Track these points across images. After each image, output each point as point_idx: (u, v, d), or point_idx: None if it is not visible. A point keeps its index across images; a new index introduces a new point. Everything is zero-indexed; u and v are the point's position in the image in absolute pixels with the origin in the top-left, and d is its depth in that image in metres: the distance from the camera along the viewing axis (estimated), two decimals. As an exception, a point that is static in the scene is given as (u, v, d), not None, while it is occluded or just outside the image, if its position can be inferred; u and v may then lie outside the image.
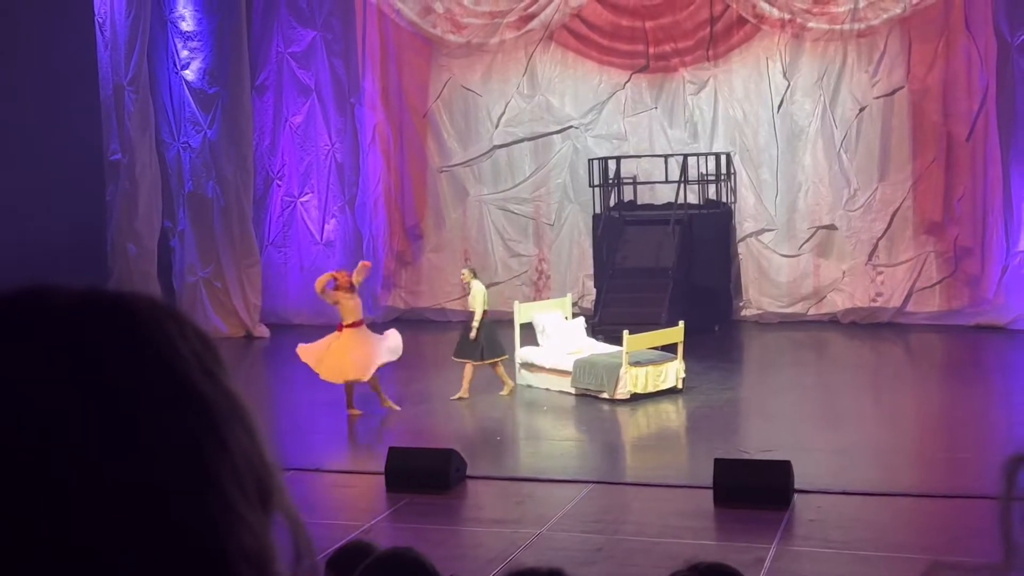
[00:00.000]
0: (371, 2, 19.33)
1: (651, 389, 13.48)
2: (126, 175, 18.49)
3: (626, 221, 17.85)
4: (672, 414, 13.19)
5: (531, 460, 11.77)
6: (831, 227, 18.00)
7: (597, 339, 15.08)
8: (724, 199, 18.29)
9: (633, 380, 13.38)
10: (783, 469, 9.79)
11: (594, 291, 17.95)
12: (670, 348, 13.84)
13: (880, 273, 17.82)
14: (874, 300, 17.83)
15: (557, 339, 14.37)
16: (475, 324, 13.31)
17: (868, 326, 17.58)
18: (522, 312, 14.77)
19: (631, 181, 18.60)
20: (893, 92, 17.63)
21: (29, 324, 0.77)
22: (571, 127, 19.03)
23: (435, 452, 10.79)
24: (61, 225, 16.69)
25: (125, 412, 0.76)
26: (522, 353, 14.45)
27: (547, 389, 14.09)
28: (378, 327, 14.35)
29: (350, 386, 12.92)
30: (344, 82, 19.45)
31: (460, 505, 10.25)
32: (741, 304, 18.47)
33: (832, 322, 17.90)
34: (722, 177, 18.28)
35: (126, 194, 18.49)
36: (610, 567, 8.50)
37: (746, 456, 10.76)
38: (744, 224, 18.39)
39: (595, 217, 18.23)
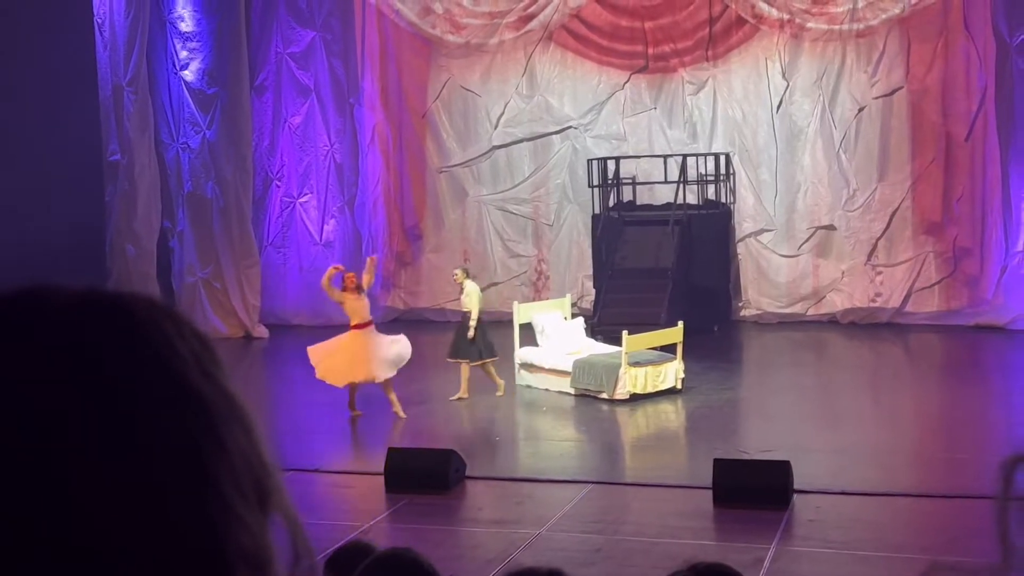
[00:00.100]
0: (370, 2, 19.33)
1: (650, 389, 13.48)
2: (125, 176, 18.49)
3: (625, 221, 17.86)
4: (671, 414, 13.19)
5: (530, 460, 11.76)
6: (830, 227, 18.01)
7: (596, 339, 15.08)
8: (723, 199, 18.30)
9: (632, 380, 13.38)
10: (782, 469, 9.79)
11: (593, 291, 17.95)
12: (669, 348, 13.84)
13: (879, 273, 17.82)
14: (873, 300, 17.84)
15: (556, 339, 14.37)
16: (472, 324, 13.30)
17: (867, 326, 17.59)
18: (521, 312, 14.77)
19: (630, 181, 18.61)
20: (892, 92, 17.63)
21: (28, 324, 0.77)
22: (570, 127, 19.03)
23: (434, 452, 10.79)
24: (60, 225, 16.69)
25: (124, 412, 0.76)
26: (521, 353, 14.45)
27: (546, 389, 14.09)
28: (378, 328, 14.31)
29: (353, 387, 12.88)
30: (343, 82, 19.46)
31: (459, 505, 10.25)
32: (740, 304, 18.47)
33: (831, 322, 17.90)
34: (721, 177, 18.28)
35: (125, 195, 18.49)
36: (609, 567, 8.50)
37: (745, 456, 10.76)
38: (743, 224, 18.39)
39: (594, 217, 18.23)
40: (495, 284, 19.19)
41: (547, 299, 17.19)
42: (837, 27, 17.63)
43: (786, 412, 12.81)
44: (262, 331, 18.90)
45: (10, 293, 0.80)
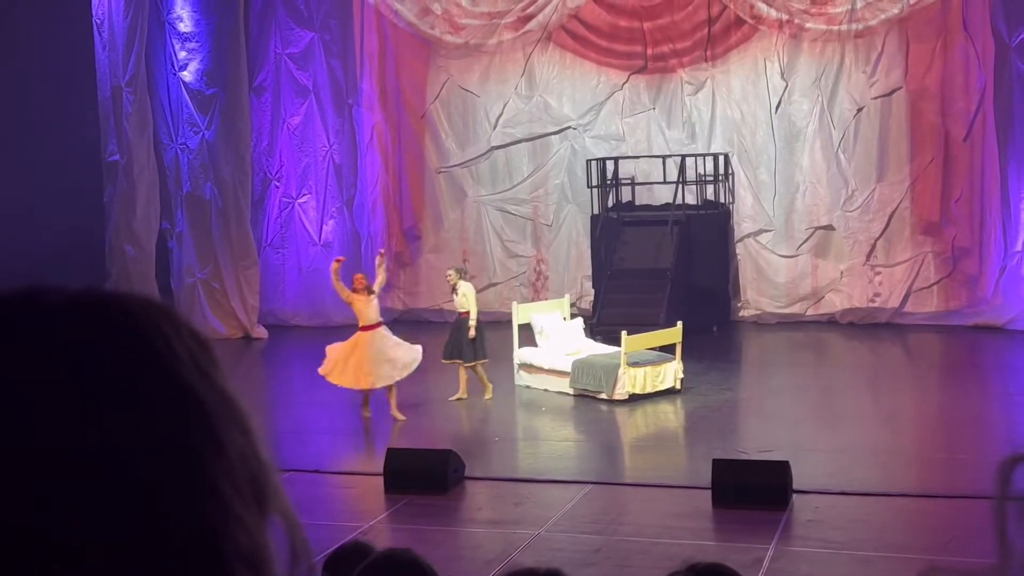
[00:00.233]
0: (369, 3, 19.33)
1: (649, 390, 13.48)
2: (124, 176, 18.50)
3: (624, 222, 17.86)
4: (670, 415, 13.19)
5: (529, 461, 11.76)
6: (829, 227, 18.01)
7: (595, 340, 15.08)
8: (722, 200, 18.30)
9: (631, 381, 13.39)
10: (781, 469, 9.79)
11: (592, 292, 17.96)
12: (668, 349, 13.85)
13: (878, 273, 17.83)
14: (872, 300, 17.84)
15: (555, 340, 14.37)
16: (473, 324, 13.28)
17: (866, 326, 17.59)
18: (520, 313, 14.77)
19: (629, 182, 18.61)
20: (891, 92, 17.64)
21: (26, 325, 0.77)
22: (569, 128, 19.03)
23: (433, 453, 10.79)
24: (59, 226, 16.70)
25: (122, 413, 0.76)
26: (520, 354, 14.45)
27: (545, 390, 14.09)
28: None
29: (365, 391, 12.77)
30: (342, 83, 19.46)
31: (458, 506, 10.25)
32: (739, 305, 18.48)
33: (830, 322, 17.90)
34: (720, 178, 18.28)
35: (124, 195, 18.49)
36: (608, 568, 8.50)
37: (744, 456, 10.77)
38: (742, 225, 18.40)
39: (593, 218, 18.24)
40: (494, 284, 19.20)
41: (546, 299, 17.19)
42: (836, 27, 17.63)
43: (785, 412, 12.81)
44: (261, 332, 18.89)
45: (8, 293, 0.79)
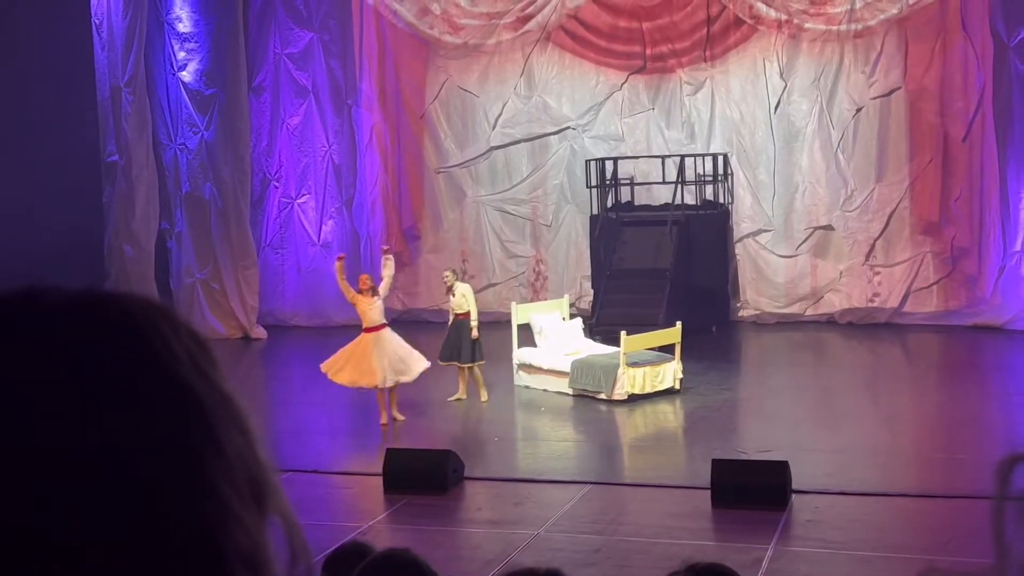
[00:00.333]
0: (368, 3, 19.33)
1: (648, 390, 13.48)
2: (123, 176, 18.50)
3: (623, 222, 17.86)
4: (670, 415, 13.19)
5: (529, 461, 11.76)
6: (828, 228, 18.02)
7: (594, 340, 15.08)
8: (721, 200, 18.30)
9: (631, 381, 13.39)
10: (781, 469, 9.79)
11: (591, 292, 17.96)
12: (667, 349, 13.85)
13: (877, 273, 17.83)
14: (871, 300, 17.85)
15: (555, 340, 14.37)
16: (475, 324, 13.25)
17: (865, 326, 17.59)
18: (519, 313, 14.76)
19: (628, 182, 18.60)
20: (890, 93, 17.64)
21: (26, 325, 0.77)
22: (568, 128, 19.03)
23: (433, 453, 10.79)
24: (58, 226, 16.70)
25: (121, 413, 0.76)
26: (519, 354, 14.45)
27: (544, 390, 14.09)
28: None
29: (380, 395, 12.68)
30: (341, 83, 19.46)
31: (458, 506, 10.25)
32: (738, 305, 18.48)
33: (829, 322, 17.91)
34: (719, 178, 18.28)
35: (123, 195, 18.50)
36: (608, 568, 8.50)
37: (744, 456, 10.77)
38: (741, 225, 18.40)
39: (592, 218, 18.24)
40: (493, 285, 19.20)
41: (545, 300, 17.19)
42: (835, 28, 17.63)
43: (784, 412, 12.81)
44: (260, 332, 18.89)
45: (8, 294, 0.80)
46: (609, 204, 18.34)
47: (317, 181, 19.79)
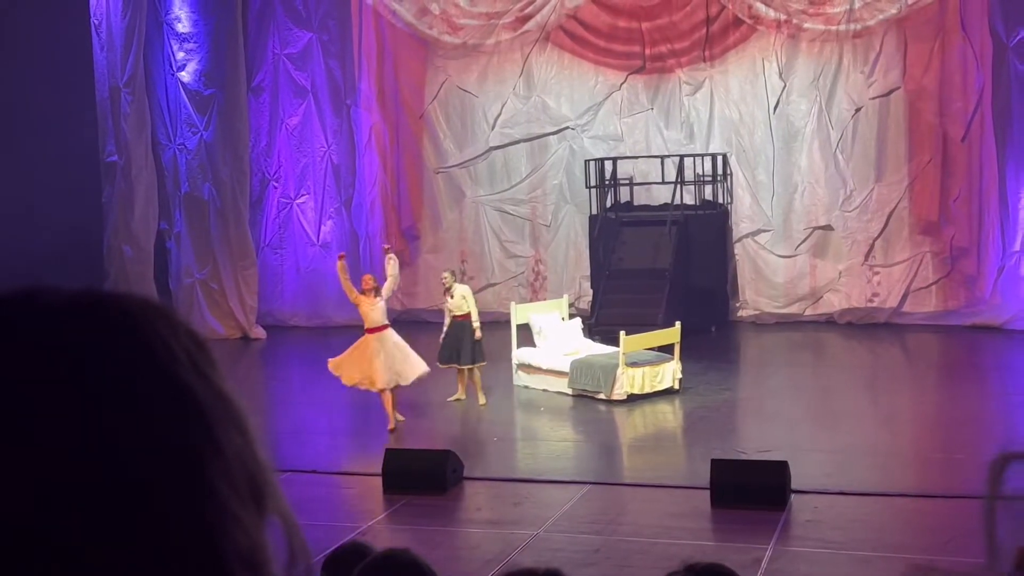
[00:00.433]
0: (367, 3, 19.33)
1: (648, 390, 13.48)
2: (122, 177, 18.50)
3: (623, 222, 17.85)
4: (669, 415, 13.19)
5: (528, 461, 11.76)
6: (827, 228, 18.02)
7: (594, 340, 15.08)
8: (720, 200, 18.30)
9: (630, 381, 13.39)
10: (780, 469, 9.79)
11: (591, 292, 17.96)
12: (667, 349, 13.85)
13: (876, 273, 17.83)
14: (870, 300, 17.85)
15: (554, 340, 14.37)
16: (477, 325, 13.22)
17: (864, 326, 17.60)
18: (519, 313, 14.76)
19: (627, 182, 18.60)
20: (889, 93, 17.64)
21: (25, 325, 0.78)
22: (567, 128, 19.03)
23: (432, 453, 10.79)
24: (57, 226, 16.70)
25: (120, 413, 0.76)
26: (519, 354, 14.45)
27: (544, 390, 14.09)
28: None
29: (384, 396, 12.62)
30: (340, 83, 19.46)
31: (457, 506, 10.25)
32: (738, 305, 18.48)
33: (829, 322, 17.91)
34: (718, 178, 18.28)
35: (122, 196, 18.50)
36: (607, 568, 8.50)
37: (743, 456, 10.77)
38: (740, 225, 18.40)
39: (592, 218, 18.23)
40: (492, 285, 19.20)
41: (545, 300, 17.19)
42: (834, 28, 17.64)
43: (783, 412, 12.82)
44: (259, 332, 18.89)
45: (7, 294, 0.80)
46: (608, 204, 18.34)
47: (316, 181, 19.79)
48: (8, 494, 0.72)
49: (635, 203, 18.64)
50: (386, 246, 13.82)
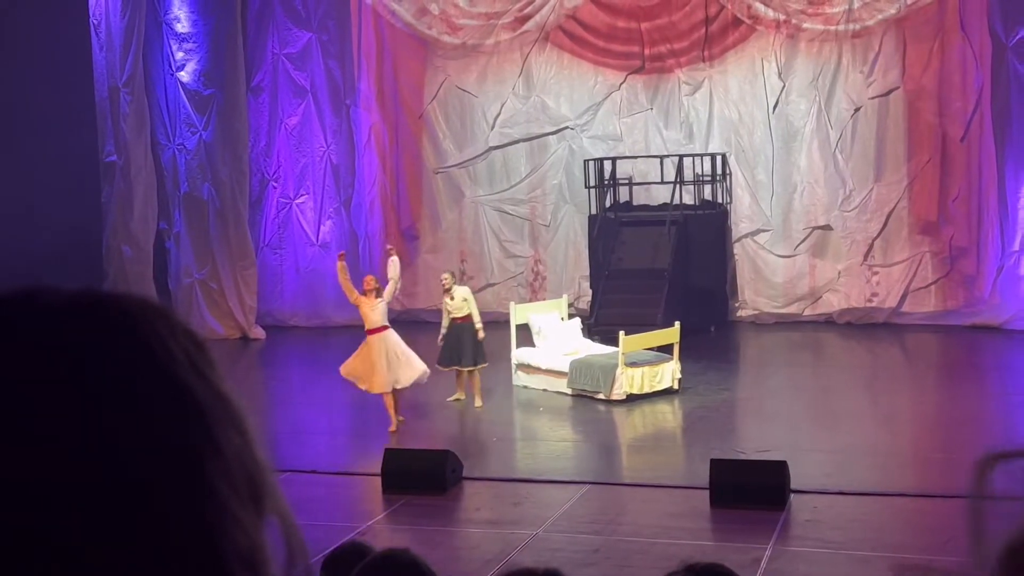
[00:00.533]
0: (366, 3, 19.33)
1: (647, 390, 13.49)
2: (121, 177, 18.50)
3: (622, 222, 17.86)
4: (668, 415, 13.19)
5: (527, 461, 11.76)
6: (827, 227, 18.02)
7: (593, 340, 15.08)
8: (720, 200, 18.30)
9: (629, 381, 13.39)
10: (779, 469, 9.80)
11: (590, 292, 17.96)
12: (666, 349, 13.85)
13: (876, 273, 17.84)
14: (870, 300, 17.85)
15: (553, 340, 14.37)
16: (480, 325, 13.19)
17: (864, 326, 17.60)
18: (518, 313, 14.76)
19: (627, 182, 18.60)
20: (888, 92, 17.64)
21: (24, 325, 0.78)
22: (567, 128, 19.03)
23: (431, 453, 10.79)
24: (56, 226, 16.69)
25: (119, 413, 0.76)
26: (518, 354, 14.44)
27: (543, 390, 14.09)
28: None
29: (386, 397, 12.60)
30: (339, 83, 19.46)
31: (456, 506, 10.25)
32: (737, 305, 18.48)
33: (828, 322, 17.91)
34: (718, 178, 18.28)
35: (121, 196, 18.49)
36: (607, 568, 8.50)
37: (742, 456, 10.78)
38: (740, 225, 18.40)
39: (591, 218, 18.23)
40: (492, 285, 19.19)
41: (544, 300, 17.19)
42: (833, 27, 17.64)
43: (783, 412, 12.82)
44: (259, 332, 18.89)
45: (7, 294, 0.80)
46: (607, 204, 18.34)
47: (315, 181, 19.79)
48: (8, 494, 0.72)
49: (634, 203, 18.64)
50: (389, 247, 13.77)
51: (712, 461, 9.92)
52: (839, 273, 17.96)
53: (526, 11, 18.81)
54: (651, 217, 17.87)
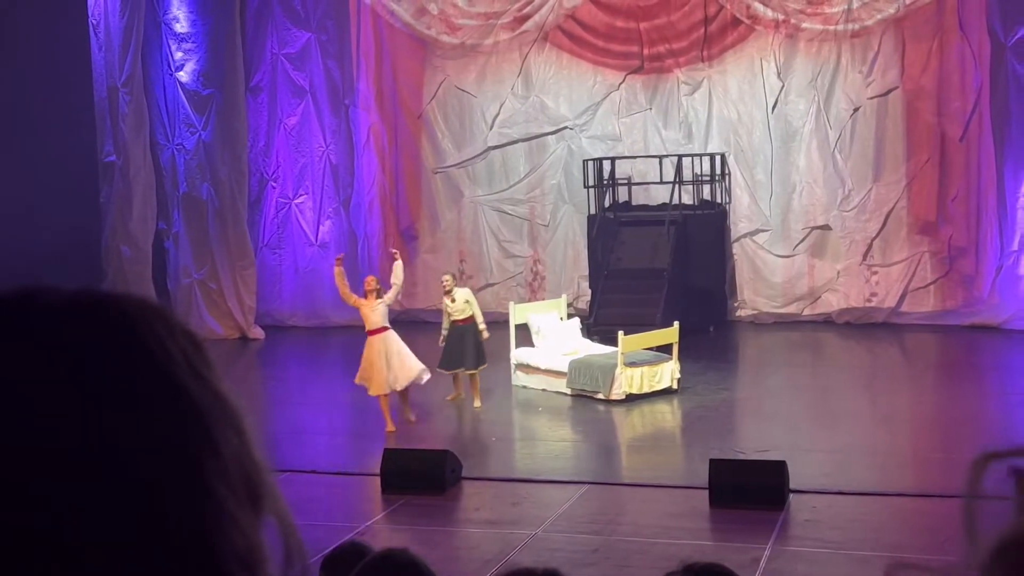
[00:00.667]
0: (365, 3, 19.32)
1: (646, 390, 13.49)
2: (120, 177, 18.49)
3: (621, 222, 17.86)
4: (667, 415, 13.19)
5: (527, 461, 11.76)
6: (825, 227, 18.02)
7: (592, 340, 15.08)
8: (719, 200, 18.30)
9: (628, 381, 13.39)
10: (778, 469, 9.80)
11: (589, 292, 17.96)
12: (665, 349, 13.85)
13: (874, 273, 17.84)
14: (869, 300, 17.85)
15: (552, 340, 14.37)
16: (483, 326, 13.16)
17: (863, 326, 17.60)
18: (517, 313, 14.75)
19: (626, 182, 18.60)
20: (887, 92, 17.65)
21: (22, 325, 0.78)
22: (566, 128, 19.03)
23: (431, 453, 10.79)
24: (55, 226, 16.69)
25: (119, 413, 0.76)
26: (517, 354, 14.44)
27: (542, 390, 14.09)
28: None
29: (383, 399, 12.57)
30: (338, 83, 19.45)
31: (456, 506, 10.25)
32: (736, 304, 18.48)
33: (827, 322, 17.91)
34: (717, 178, 18.28)
35: (120, 196, 18.49)
36: (606, 568, 8.50)
37: (742, 456, 10.78)
38: (739, 225, 18.40)
39: (590, 218, 18.23)
40: (491, 285, 19.19)
41: (543, 299, 17.18)
42: (832, 27, 17.64)
43: (782, 412, 12.82)
44: (258, 332, 18.88)
45: (7, 294, 0.80)
46: (607, 204, 18.33)
47: (315, 181, 19.79)
48: (8, 494, 0.72)
49: (633, 203, 18.64)
50: (394, 252, 13.75)
51: (711, 461, 9.92)
52: (838, 273, 17.97)
53: (525, 11, 18.80)
54: (650, 217, 17.87)
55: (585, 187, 18.44)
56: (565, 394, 13.81)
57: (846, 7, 17.49)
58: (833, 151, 17.87)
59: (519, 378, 14.40)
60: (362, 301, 12.50)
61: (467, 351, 13.09)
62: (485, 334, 13.13)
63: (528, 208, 19.33)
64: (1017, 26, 16.69)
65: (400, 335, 12.79)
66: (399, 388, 12.47)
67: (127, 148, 18.44)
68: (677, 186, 17.71)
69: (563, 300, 15.46)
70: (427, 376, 12.61)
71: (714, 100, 18.40)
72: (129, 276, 18.23)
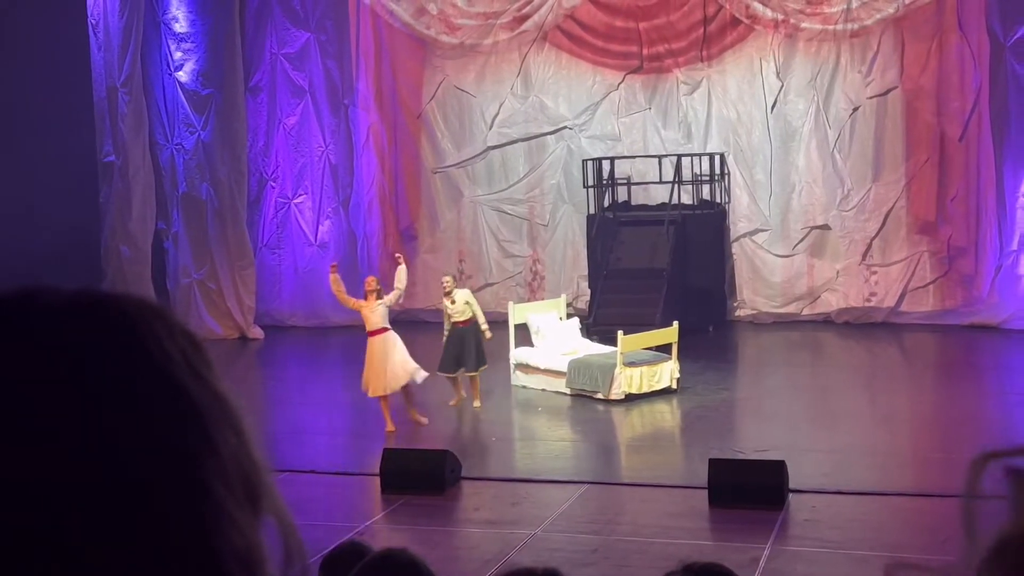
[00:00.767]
0: (364, 3, 19.32)
1: (646, 389, 13.49)
2: (119, 177, 18.49)
3: (620, 222, 17.86)
4: (667, 414, 13.19)
5: (526, 461, 11.76)
6: (825, 227, 18.02)
7: (591, 340, 15.08)
8: (718, 199, 18.30)
9: (628, 380, 13.39)
10: (778, 469, 9.80)
11: (588, 292, 17.96)
12: (664, 348, 13.85)
13: (874, 273, 17.84)
14: (868, 300, 17.86)
15: (552, 340, 14.37)
16: (486, 326, 13.12)
17: (862, 326, 17.60)
18: (516, 313, 14.75)
19: (625, 182, 18.60)
20: (886, 92, 17.65)
21: (22, 325, 0.78)
22: (565, 128, 19.03)
23: (430, 453, 10.79)
24: (55, 226, 16.69)
25: (119, 413, 0.76)
26: (516, 354, 14.44)
27: (542, 390, 14.09)
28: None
29: (383, 400, 12.57)
30: (338, 83, 19.45)
31: (455, 506, 10.25)
32: (735, 304, 18.48)
33: (826, 322, 17.91)
34: (716, 177, 18.28)
35: (120, 196, 18.49)
36: (606, 567, 8.50)
37: (741, 456, 10.78)
38: (738, 224, 18.41)
39: (589, 218, 18.23)
40: (490, 284, 19.19)
41: (542, 299, 17.18)
42: (831, 27, 17.64)
43: (781, 412, 12.82)
44: (257, 332, 18.88)
45: (7, 294, 0.80)
46: (606, 204, 18.34)
47: (314, 181, 19.79)
48: (8, 494, 0.73)
49: (633, 203, 18.64)
50: (398, 256, 13.73)
51: (711, 461, 9.92)
52: (837, 273, 17.97)
53: (524, 11, 18.80)
54: (649, 217, 17.88)
55: (584, 187, 18.44)
56: (564, 394, 13.81)
57: (845, 7, 17.49)
58: (832, 151, 17.88)
59: (518, 378, 14.40)
60: (362, 303, 12.49)
61: (468, 353, 13.05)
62: (488, 334, 13.09)
63: (527, 208, 19.33)
64: (1016, 26, 16.70)
65: (400, 335, 12.77)
66: (392, 389, 12.39)
67: (126, 148, 18.44)
68: (676, 186, 17.71)
69: (562, 300, 15.46)
70: (423, 375, 12.55)
71: (713, 100, 18.41)
72: (128, 276, 18.23)
